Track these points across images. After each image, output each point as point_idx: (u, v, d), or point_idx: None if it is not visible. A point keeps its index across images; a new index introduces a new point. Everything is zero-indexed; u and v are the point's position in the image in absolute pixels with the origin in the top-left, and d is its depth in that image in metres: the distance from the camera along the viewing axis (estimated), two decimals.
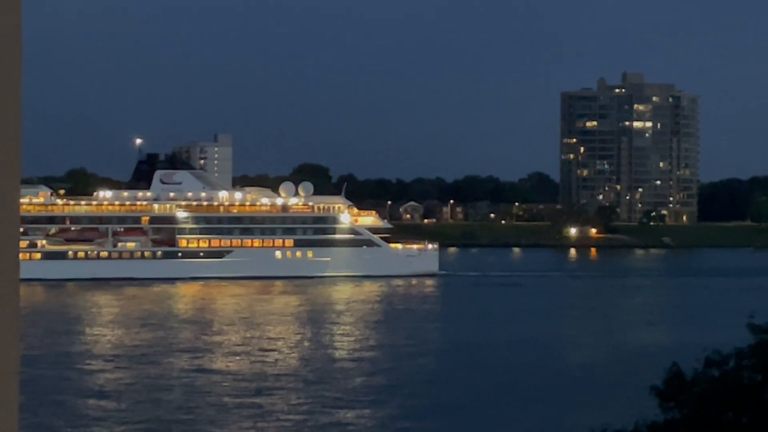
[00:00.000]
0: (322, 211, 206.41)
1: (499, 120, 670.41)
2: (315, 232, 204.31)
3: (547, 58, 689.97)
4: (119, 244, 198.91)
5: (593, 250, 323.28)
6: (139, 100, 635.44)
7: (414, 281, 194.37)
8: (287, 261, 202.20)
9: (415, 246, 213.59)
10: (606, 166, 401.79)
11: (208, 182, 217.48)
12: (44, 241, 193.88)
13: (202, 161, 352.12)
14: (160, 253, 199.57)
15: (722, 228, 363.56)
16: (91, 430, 72.12)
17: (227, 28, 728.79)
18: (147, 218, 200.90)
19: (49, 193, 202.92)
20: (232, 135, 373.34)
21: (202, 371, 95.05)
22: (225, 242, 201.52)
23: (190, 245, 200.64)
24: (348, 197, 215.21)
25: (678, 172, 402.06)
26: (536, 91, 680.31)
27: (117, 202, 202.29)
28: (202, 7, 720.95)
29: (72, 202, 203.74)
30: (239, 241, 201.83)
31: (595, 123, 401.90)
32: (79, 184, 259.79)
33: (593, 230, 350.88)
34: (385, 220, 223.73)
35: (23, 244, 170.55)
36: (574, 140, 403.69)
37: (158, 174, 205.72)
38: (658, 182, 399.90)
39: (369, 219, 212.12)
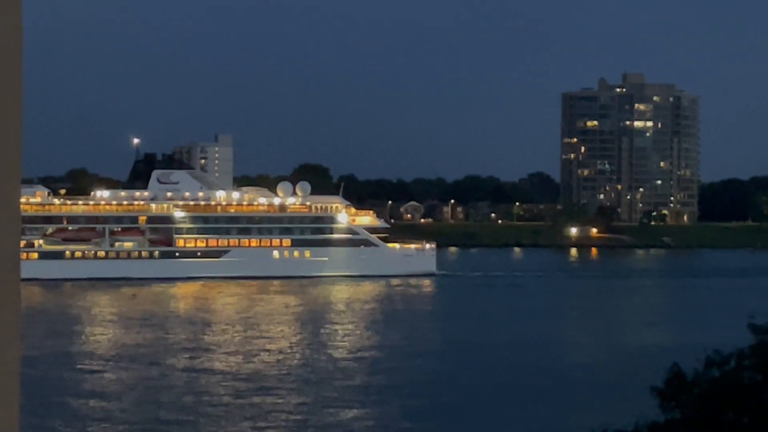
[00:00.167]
0: (319, 211, 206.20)
1: (500, 120, 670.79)
2: (312, 231, 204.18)
3: (547, 58, 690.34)
4: (116, 244, 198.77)
5: (594, 250, 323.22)
6: (139, 100, 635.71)
7: (411, 281, 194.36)
8: (285, 261, 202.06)
9: (412, 246, 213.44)
10: (606, 166, 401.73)
11: (206, 182, 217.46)
12: (41, 241, 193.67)
13: (202, 161, 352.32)
14: (157, 252, 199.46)
15: (723, 228, 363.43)
16: (91, 430, 72.12)
17: (228, 28, 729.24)
18: (144, 218, 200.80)
19: (46, 193, 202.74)
20: (233, 135, 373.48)
21: (201, 371, 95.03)
22: (222, 242, 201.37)
23: (187, 245, 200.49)
24: (349, 197, 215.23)
25: (678, 172, 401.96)
26: (537, 91, 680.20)
27: (114, 202, 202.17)
28: (202, 7, 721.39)
29: (69, 202, 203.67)
30: (236, 240, 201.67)
31: (595, 123, 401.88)
32: (79, 184, 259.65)
33: (594, 230, 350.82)
34: (382, 220, 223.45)
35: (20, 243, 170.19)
36: (575, 140, 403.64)
37: (155, 174, 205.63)
38: (659, 182, 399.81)
39: (366, 219, 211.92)
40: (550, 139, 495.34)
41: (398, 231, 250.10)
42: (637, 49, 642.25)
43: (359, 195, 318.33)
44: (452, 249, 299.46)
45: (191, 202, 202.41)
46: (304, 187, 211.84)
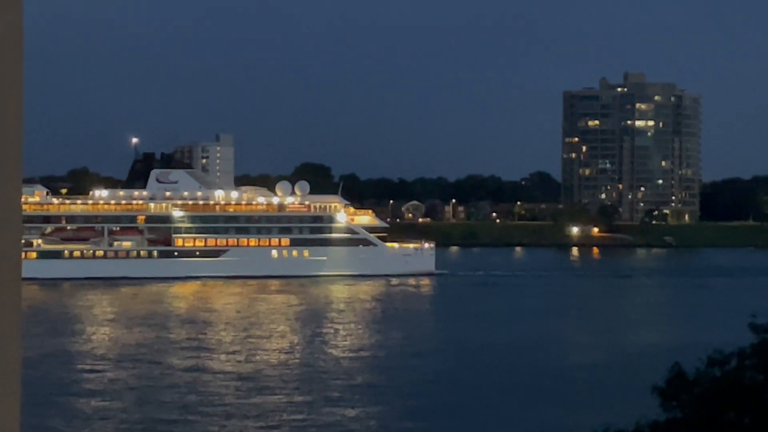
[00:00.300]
0: (318, 211, 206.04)
1: (501, 119, 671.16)
2: (311, 231, 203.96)
3: (548, 57, 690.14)
4: (115, 244, 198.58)
5: (595, 249, 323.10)
6: (141, 99, 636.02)
7: (410, 281, 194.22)
8: (283, 260, 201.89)
9: (411, 245, 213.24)
10: (608, 166, 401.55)
11: (204, 181, 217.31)
12: (40, 241, 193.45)
13: (204, 161, 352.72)
14: (156, 252, 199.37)
15: (724, 227, 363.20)
16: (91, 430, 72.10)
17: (230, 28, 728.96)
18: (143, 217, 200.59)
19: (44, 192, 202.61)
20: (234, 135, 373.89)
21: (201, 370, 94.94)
22: (221, 241, 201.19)
23: (186, 244, 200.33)
24: (350, 197, 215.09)
25: (680, 172, 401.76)
26: (538, 91, 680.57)
27: (113, 202, 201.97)
28: (203, 7, 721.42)
29: (68, 202, 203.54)
30: (235, 240, 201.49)
31: (597, 122, 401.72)
32: (80, 184, 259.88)
33: (595, 229, 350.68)
34: (381, 219, 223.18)
35: None
36: (576, 139, 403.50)
37: (154, 173, 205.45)
38: (660, 181, 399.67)
39: (365, 218, 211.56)
40: (552, 138, 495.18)
41: (398, 230, 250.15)
42: (639, 49, 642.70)
43: (361, 194, 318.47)
44: (453, 248, 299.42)
45: (190, 202, 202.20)
46: (302, 186, 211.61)
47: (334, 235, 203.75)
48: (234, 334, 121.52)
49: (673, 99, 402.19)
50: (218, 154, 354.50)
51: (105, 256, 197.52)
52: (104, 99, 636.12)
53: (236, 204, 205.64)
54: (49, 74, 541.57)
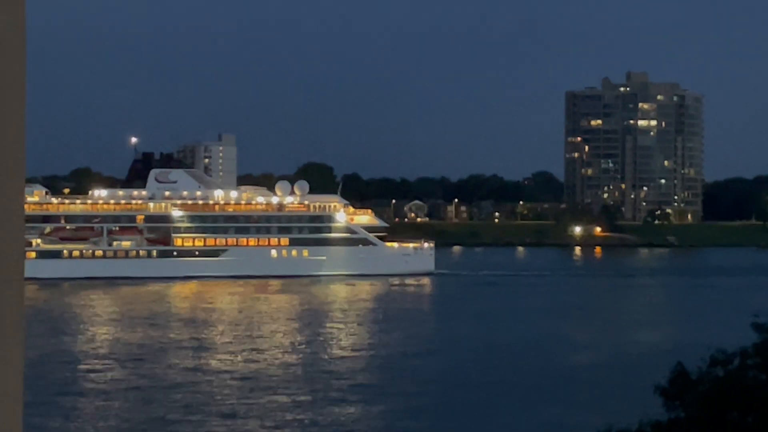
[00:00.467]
0: (317, 210, 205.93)
1: (504, 119, 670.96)
2: (310, 230, 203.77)
3: (551, 57, 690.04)
4: (114, 243, 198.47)
5: (598, 249, 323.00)
6: (144, 100, 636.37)
7: (409, 280, 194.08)
8: (283, 260, 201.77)
9: (411, 245, 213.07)
10: (610, 165, 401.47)
11: (204, 181, 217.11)
12: (39, 240, 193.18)
13: (206, 161, 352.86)
14: (155, 252, 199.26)
15: (727, 227, 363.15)
16: (91, 430, 72.11)
17: (232, 27, 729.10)
18: (142, 217, 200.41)
19: (44, 192, 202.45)
20: (237, 134, 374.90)
21: (201, 370, 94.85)
22: (220, 241, 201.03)
23: (185, 244, 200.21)
24: (352, 196, 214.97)
25: (682, 171, 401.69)
26: (540, 91, 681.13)
27: (112, 201, 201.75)
28: (206, 7, 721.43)
29: (67, 201, 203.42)
30: (234, 240, 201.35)
31: (599, 122, 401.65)
32: (83, 184, 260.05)
33: (598, 229, 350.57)
34: (381, 219, 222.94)
35: None
36: (579, 139, 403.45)
37: (153, 173, 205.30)
38: (663, 181, 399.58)
39: (365, 218, 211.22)
40: (554, 138, 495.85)
41: (400, 230, 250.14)
42: (641, 48, 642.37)
43: (363, 194, 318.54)
44: (456, 248, 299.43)
45: (189, 201, 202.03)
46: (302, 186, 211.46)
47: (333, 235, 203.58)
48: (234, 333, 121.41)
49: (675, 98, 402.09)
50: (221, 154, 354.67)
51: (104, 256, 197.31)
52: (107, 99, 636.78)
53: (235, 204, 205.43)
54: (52, 74, 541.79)
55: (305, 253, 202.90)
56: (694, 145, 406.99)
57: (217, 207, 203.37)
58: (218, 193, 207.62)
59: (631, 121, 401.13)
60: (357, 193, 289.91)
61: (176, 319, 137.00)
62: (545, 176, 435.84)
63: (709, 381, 28.71)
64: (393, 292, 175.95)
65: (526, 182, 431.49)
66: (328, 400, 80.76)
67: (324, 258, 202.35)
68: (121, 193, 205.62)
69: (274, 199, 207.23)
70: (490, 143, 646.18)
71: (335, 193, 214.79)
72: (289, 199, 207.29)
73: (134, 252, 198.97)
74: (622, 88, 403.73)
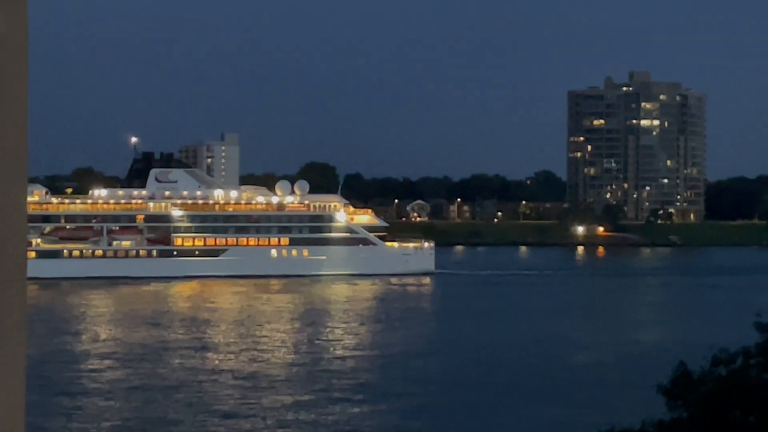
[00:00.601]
0: (318, 210, 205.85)
1: (506, 119, 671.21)
2: (311, 230, 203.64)
3: (553, 56, 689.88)
4: (114, 243, 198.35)
5: (600, 248, 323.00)
6: (146, 100, 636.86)
7: (409, 280, 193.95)
8: (283, 260, 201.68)
9: (411, 244, 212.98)
10: (613, 165, 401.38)
11: (204, 181, 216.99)
12: (39, 240, 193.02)
13: (209, 160, 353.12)
14: (155, 251, 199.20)
15: (729, 226, 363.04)
16: (91, 429, 72.10)
17: (234, 27, 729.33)
18: (142, 217, 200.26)
19: (44, 192, 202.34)
20: (240, 134, 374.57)
21: (202, 370, 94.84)
22: (220, 241, 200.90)
23: (185, 244, 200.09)
24: (354, 196, 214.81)
25: (685, 171, 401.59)
26: (543, 90, 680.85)
27: (112, 201, 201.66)
28: (208, 7, 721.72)
29: (67, 201, 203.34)
30: (234, 239, 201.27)
31: (602, 121, 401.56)
32: (85, 184, 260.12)
33: (600, 228, 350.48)
34: (384, 218, 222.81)
35: None
36: (581, 139, 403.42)
37: (153, 172, 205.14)
38: (665, 180, 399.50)
39: (365, 217, 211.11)
40: (557, 137, 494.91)
41: (401, 230, 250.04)
42: (644, 48, 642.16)
43: (365, 194, 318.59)
44: (459, 248, 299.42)
45: (189, 201, 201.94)
46: (302, 185, 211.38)
47: (333, 235, 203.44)
48: (235, 333, 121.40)
49: (678, 98, 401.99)
50: (224, 154, 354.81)
51: (104, 256, 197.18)
52: (109, 99, 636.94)
53: (236, 203, 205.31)
54: (55, 74, 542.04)
55: (305, 252, 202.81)
56: (697, 144, 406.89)
57: (217, 207, 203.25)
58: (218, 193, 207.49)
59: (634, 121, 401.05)
60: (359, 193, 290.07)
61: (177, 318, 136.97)
62: (548, 176, 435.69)
63: (712, 381, 28.69)
64: (393, 292, 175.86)
65: (528, 182, 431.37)
66: (329, 400, 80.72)
67: (324, 258, 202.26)
68: (121, 192, 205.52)
69: (274, 199, 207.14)
70: (492, 143, 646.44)
71: (338, 192, 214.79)
72: (289, 198, 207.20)
73: (134, 252, 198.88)
74: (624, 88, 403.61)
